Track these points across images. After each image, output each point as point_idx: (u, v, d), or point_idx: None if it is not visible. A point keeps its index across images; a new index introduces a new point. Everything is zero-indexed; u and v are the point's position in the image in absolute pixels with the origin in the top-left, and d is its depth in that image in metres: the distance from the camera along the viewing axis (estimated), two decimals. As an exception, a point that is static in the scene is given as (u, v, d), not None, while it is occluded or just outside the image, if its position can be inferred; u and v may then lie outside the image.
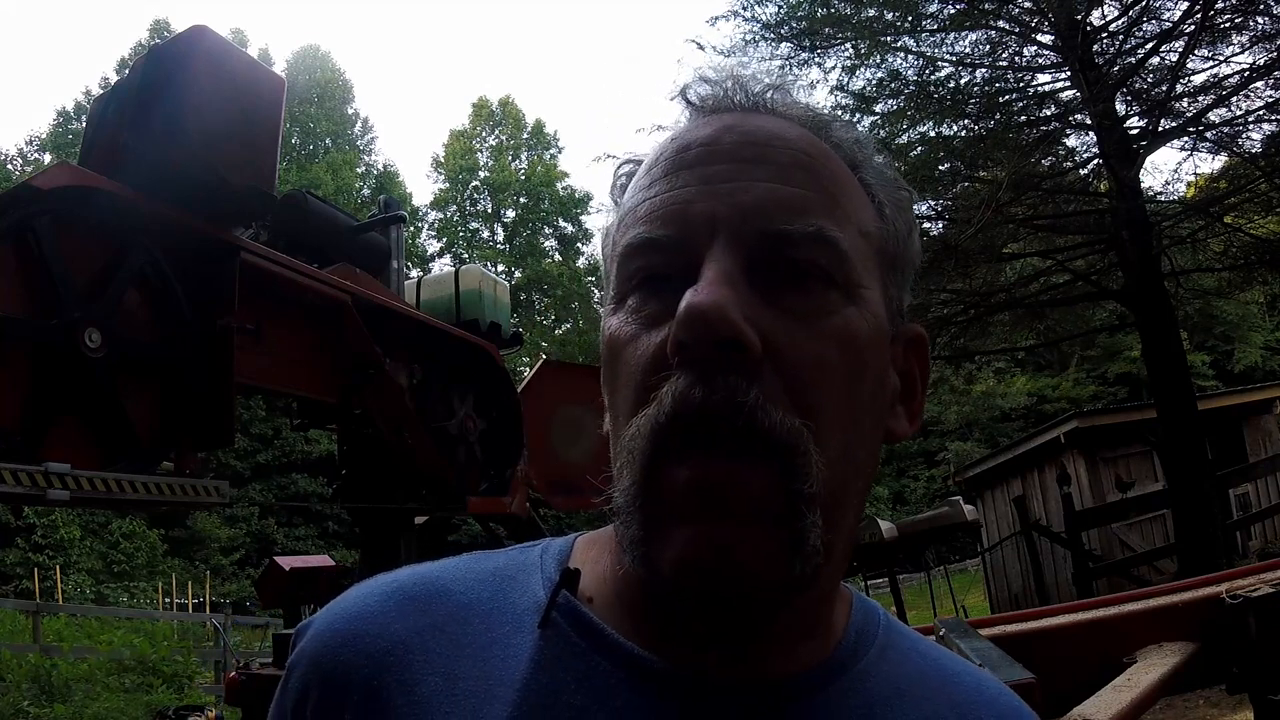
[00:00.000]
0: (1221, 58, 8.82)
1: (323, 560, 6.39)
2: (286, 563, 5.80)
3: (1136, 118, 9.23)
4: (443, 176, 42.88)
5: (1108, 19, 9.14)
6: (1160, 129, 8.96)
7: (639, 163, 0.64)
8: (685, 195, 0.55)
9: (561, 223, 42.26)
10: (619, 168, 0.66)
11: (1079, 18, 8.66)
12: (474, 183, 42.39)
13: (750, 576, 0.49)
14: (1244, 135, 9.15)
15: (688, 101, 0.62)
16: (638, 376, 0.53)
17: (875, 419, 0.57)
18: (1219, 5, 8.34)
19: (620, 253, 0.57)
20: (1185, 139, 9.33)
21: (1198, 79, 9.03)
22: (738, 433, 0.49)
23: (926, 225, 9.90)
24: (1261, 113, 8.77)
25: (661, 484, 0.50)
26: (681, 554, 0.49)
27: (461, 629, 0.58)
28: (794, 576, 0.50)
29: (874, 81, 9.80)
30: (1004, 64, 9.75)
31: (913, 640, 0.65)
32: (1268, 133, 8.99)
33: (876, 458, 0.59)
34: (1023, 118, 9.58)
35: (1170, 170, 30.54)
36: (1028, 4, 9.18)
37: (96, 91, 25.71)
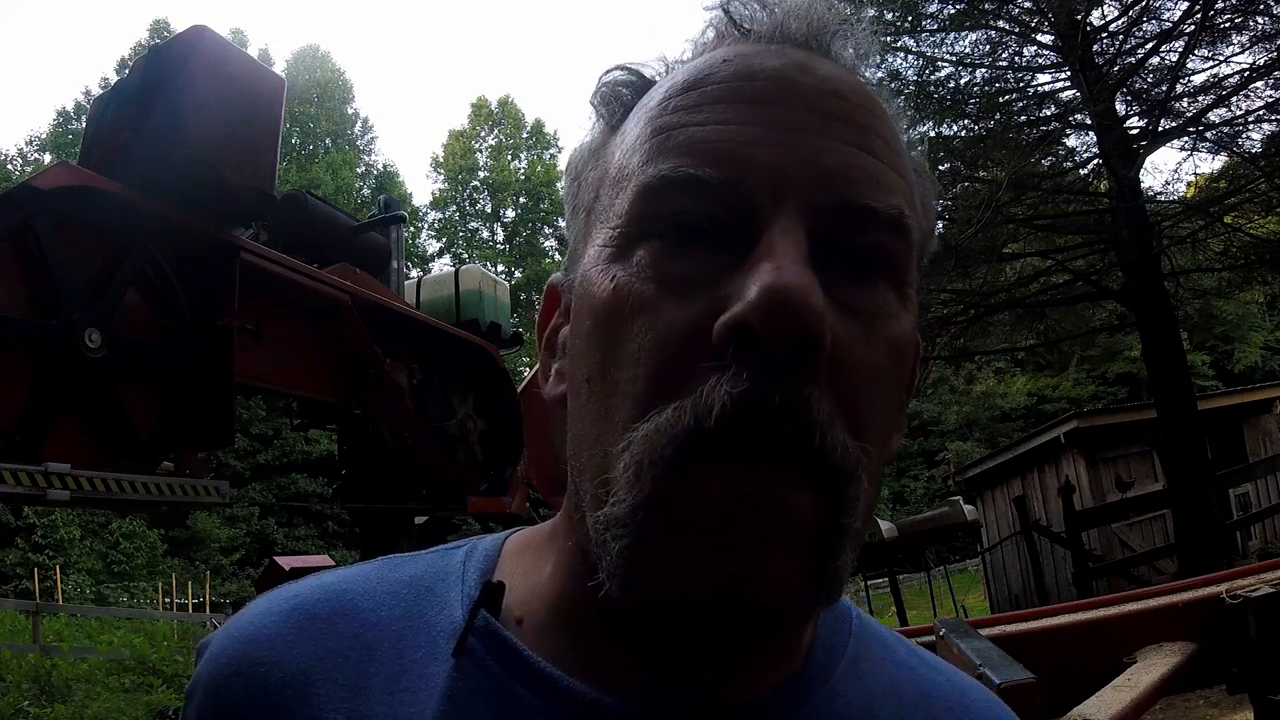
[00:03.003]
0: (1221, 58, 8.84)
1: (323, 560, 6.40)
2: (286, 563, 5.81)
3: (1136, 118, 9.25)
4: (442, 176, 42.88)
5: (1108, 19, 9.16)
6: (1160, 129, 8.97)
7: (639, 76, 0.53)
8: (748, 135, 0.44)
9: (561, 223, 42.13)
10: (610, 73, 0.53)
11: (1079, 18, 8.67)
12: (474, 183, 42.39)
13: (772, 609, 0.42)
14: (1244, 135, 9.17)
15: (730, 18, 0.51)
16: (660, 358, 0.42)
17: None
18: (1219, 5, 8.34)
19: (643, 183, 0.45)
20: (1185, 139, 9.35)
21: (1198, 79, 9.06)
22: (805, 454, 0.40)
23: (926, 225, 9.91)
24: (1261, 113, 8.79)
25: (680, 494, 0.41)
26: (698, 577, 0.41)
27: (368, 655, 0.51)
28: (811, 610, 0.44)
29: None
30: (1004, 64, 9.76)
31: (889, 647, 0.57)
32: (1268, 133, 9.01)
33: None
34: (1023, 118, 9.60)
35: (1170, 170, 30.60)
36: (1028, 4, 9.17)
37: (96, 91, 25.68)
